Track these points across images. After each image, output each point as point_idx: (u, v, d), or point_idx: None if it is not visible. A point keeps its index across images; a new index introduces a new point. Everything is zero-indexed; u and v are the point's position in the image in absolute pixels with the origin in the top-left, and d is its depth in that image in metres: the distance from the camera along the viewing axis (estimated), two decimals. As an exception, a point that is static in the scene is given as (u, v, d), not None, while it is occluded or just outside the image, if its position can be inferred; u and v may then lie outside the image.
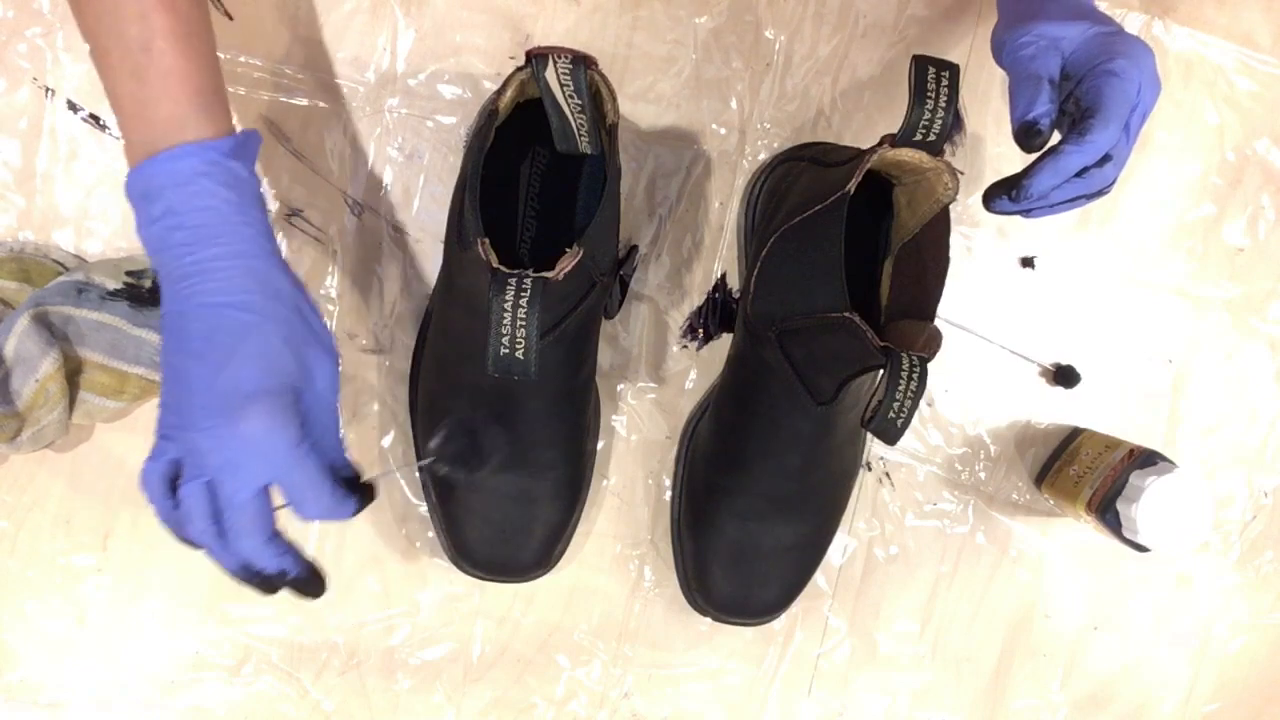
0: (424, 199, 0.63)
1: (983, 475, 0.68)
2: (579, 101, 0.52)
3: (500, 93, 0.53)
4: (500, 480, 0.58)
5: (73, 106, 0.60)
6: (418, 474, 0.58)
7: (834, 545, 0.65)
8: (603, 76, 0.51)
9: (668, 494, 0.65)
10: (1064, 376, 0.67)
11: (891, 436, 0.50)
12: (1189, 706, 0.70)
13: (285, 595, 0.47)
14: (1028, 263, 0.67)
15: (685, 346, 0.65)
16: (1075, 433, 0.67)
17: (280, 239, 0.61)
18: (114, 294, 0.58)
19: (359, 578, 0.63)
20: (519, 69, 0.52)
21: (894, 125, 0.51)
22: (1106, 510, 0.61)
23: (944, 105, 0.48)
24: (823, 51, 0.65)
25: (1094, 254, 0.67)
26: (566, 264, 0.48)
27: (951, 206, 0.53)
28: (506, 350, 0.47)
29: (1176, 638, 0.70)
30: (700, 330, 0.65)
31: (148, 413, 0.61)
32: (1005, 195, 0.48)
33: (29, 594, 0.62)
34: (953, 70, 0.49)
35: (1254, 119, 0.68)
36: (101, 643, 0.62)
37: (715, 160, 0.65)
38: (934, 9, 0.65)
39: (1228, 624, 0.70)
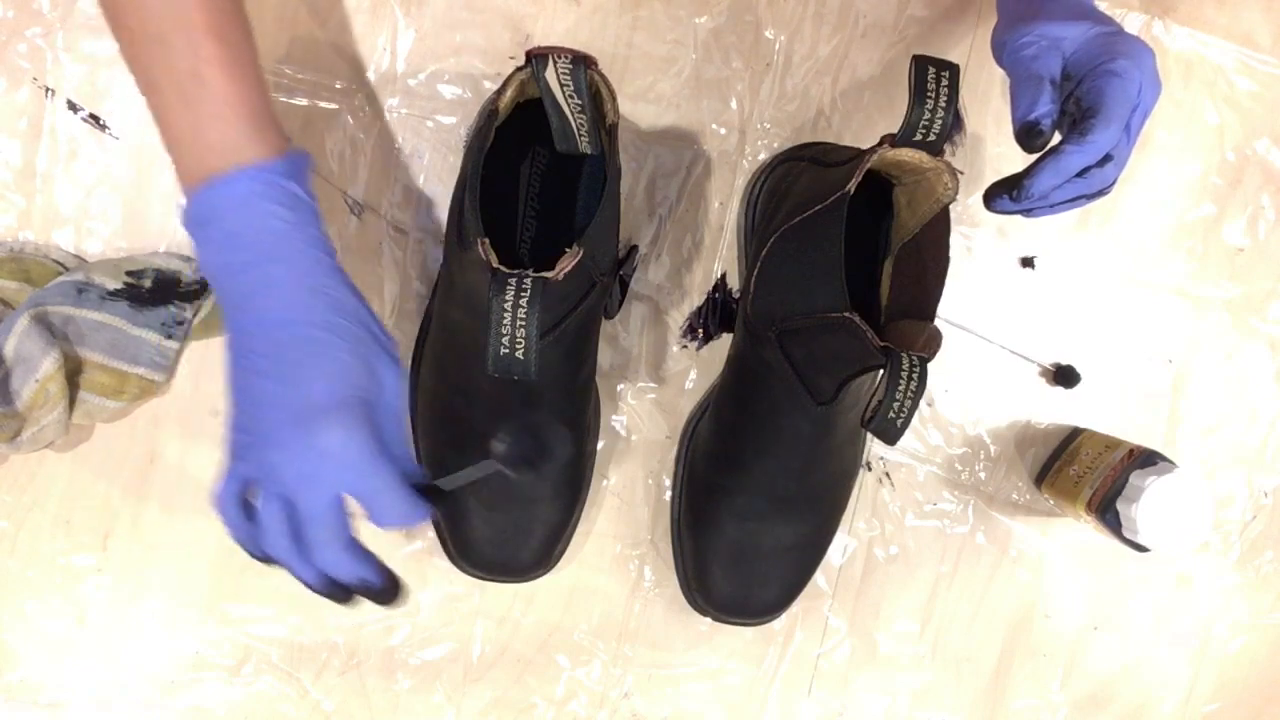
0: (424, 199, 0.63)
1: (983, 475, 0.68)
2: (579, 101, 0.52)
3: (500, 93, 0.53)
4: (500, 480, 0.58)
5: (73, 106, 0.60)
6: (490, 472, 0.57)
7: (834, 545, 0.65)
8: (603, 76, 0.51)
9: (668, 494, 0.65)
10: (1064, 376, 0.67)
11: (891, 436, 0.50)
12: (1189, 706, 0.70)
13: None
14: (1028, 263, 0.67)
15: (685, 346, 0.65)
16: (1075, 433, 0.67)
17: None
18: (114, 294, 0.58)
19: (359, 578, 0.63)
20: (519, 69, 0.52)
21: (894, 125, 0.51)
22: (1106, 510, 0.61)
23: (944, 105, 0.48)
24: (823, 51, 0.65)
25: (1094, 254, 0.67)
26: (566, 264, 0.48)
27: (951, 206, 0.53)
28: (506, 350, 0.47)
29: (1176, 638, 0.70)
30: (700, 330, 0.65)
31: (148, 413, 0.61)
32: (1006, 195, 0.48)
33: (29, 594, 0.62)
34: (953, 70, 0.49)
35: (1254, 119, 0.68)
36: (101, 643, 0.62)
37: (715, 160, 0.65)
38: (934, 9, 0.65)
39: (1228, 624, 0.70)
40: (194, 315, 0.60)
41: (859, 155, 0.53)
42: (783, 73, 0.64)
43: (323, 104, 0.61)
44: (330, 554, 0.44)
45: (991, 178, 0.65)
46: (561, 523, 0.61)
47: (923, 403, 0.64)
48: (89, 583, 0.62)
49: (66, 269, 0.59)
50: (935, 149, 0.50)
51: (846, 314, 0.50)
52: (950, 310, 0.66)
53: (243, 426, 0.45)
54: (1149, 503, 0.59)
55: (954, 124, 0.49)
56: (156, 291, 0.59)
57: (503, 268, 0.47)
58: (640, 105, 0.64)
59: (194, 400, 0.62)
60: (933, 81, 0.48)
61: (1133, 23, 0.66)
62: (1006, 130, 0.50)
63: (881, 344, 0.49)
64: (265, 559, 0.46)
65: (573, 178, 0.61)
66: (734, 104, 0.64)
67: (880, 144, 0.51)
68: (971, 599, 0.68)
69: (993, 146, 0.66)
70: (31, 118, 0.60)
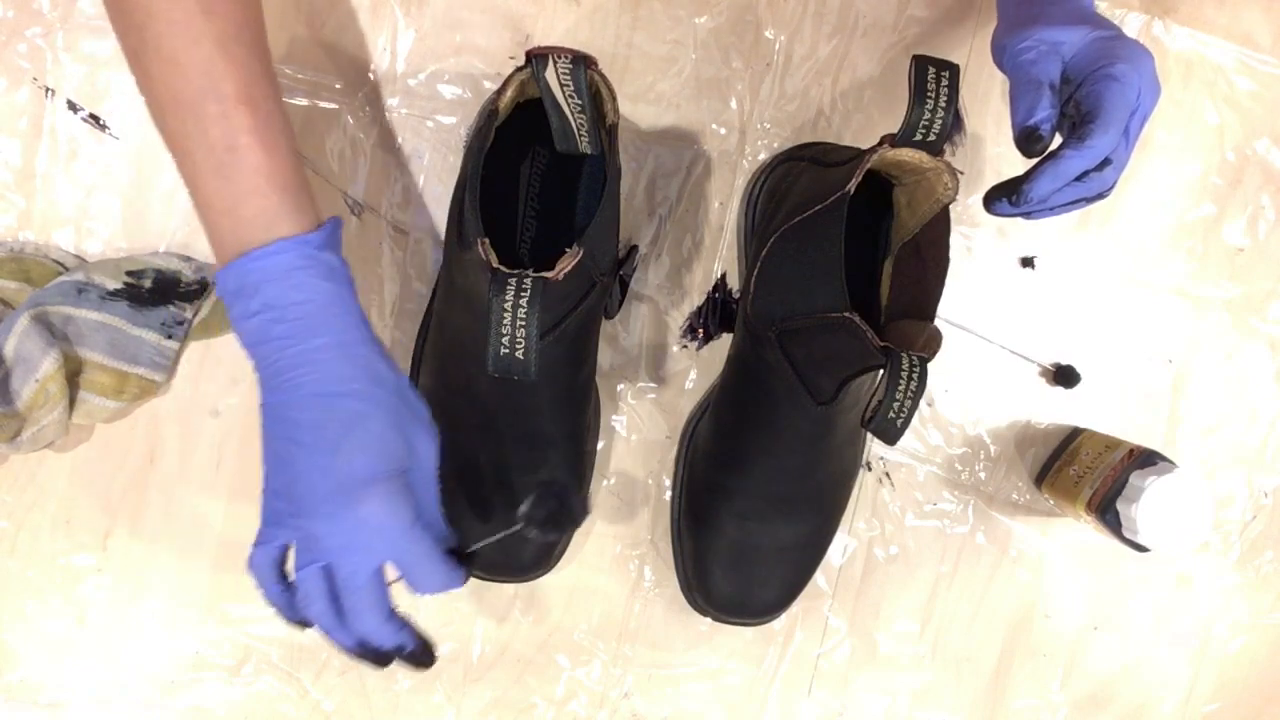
0: (424, 199, 0.63)
1: (983, 475, 0.68)
2: (579, 101, 0.52)
3: (500, 93, 0.53)
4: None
5: (73, 106, 0.60)
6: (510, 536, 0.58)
7: (834, 545, 0.65)
8: (603, 76, 0.51)
9: (668, 494, 0.65)
10: (1064, 376, 0.67)
11: (891, 436, 0.50)
12: (1189, 706, 0.70)
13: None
14: (1028, 263, 0.67)
15: (685, 346, 0.65)
16: (1075, 433, 0.67)
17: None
18: (114, 294, 0.58)
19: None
20: (519, 69, 0.52)
21: (894, 125, 0.51)
22: (1106, 510, 0.61)
23: (944, 105, 0.48)
24: (823, 51, 0.65)
25: (1094, 254, 0.67)
26: (566, 264, 0.48)
27: (951, 206, 0.53)
28: (506, 350, 0.47)
29: (1176, 638, 0.70)
30: (700, 330, 0.65)
31: (148, 413, 0.61)
32: (1005, 199, 0.48)
33: (29, 594, 0.62)
34: (953, 70, 0.49)
35: (1254, 119, 0.68)
36: (101, 643, 0.62)
37: (715, 160, 0.65)
38: (934, 9, 0.65)
39: (1228, 624, 0.70)
40: (194, 315, 0.60)
41: (859, 155, 0.53)
42: (783, 73, 0.64)
43: (323, 104, 0.61)
44: (370, 622, 0.46)
45: (991, 178, 0.66)
46: (562, 523, 0.61)
47: (923, 403, 0.64)
48: (89, 583, 0.62)
49: (66, 269, 0.59)
50: (935, 149, 0.50)
51: (846, 314, 0.50)
52: (950, 310, 0.66)
53: (281, 494, 0.45)
54: (1149, 503, 0.59)
55: (954, 124, 0.49)
56: (156, 291, 0.59)
57: (503, 268, 0.47)
58: (640, 105, 0.64)
59: (194, 400, 0.62)
60: (933, 81, 0.48)
61: (1133, 23, 0.66)
62: (1006, 130, 0.50)
63: (881, 344, 0.49)
64: (301, 624, 0.47)
65: (573, 178, 0.61)
66: (734, 104, 0.64)
67: (880, 144, 0.51)
68: (971, 599, 0.68)
69: (992, 147, 0.66)
70: (31, 118, 0.60)
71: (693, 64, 0.64)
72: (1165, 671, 0.70)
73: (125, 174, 0.61)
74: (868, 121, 0.65)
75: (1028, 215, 0.50)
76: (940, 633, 0.68)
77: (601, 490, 0.65)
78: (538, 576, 0.62)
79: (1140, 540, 0.60)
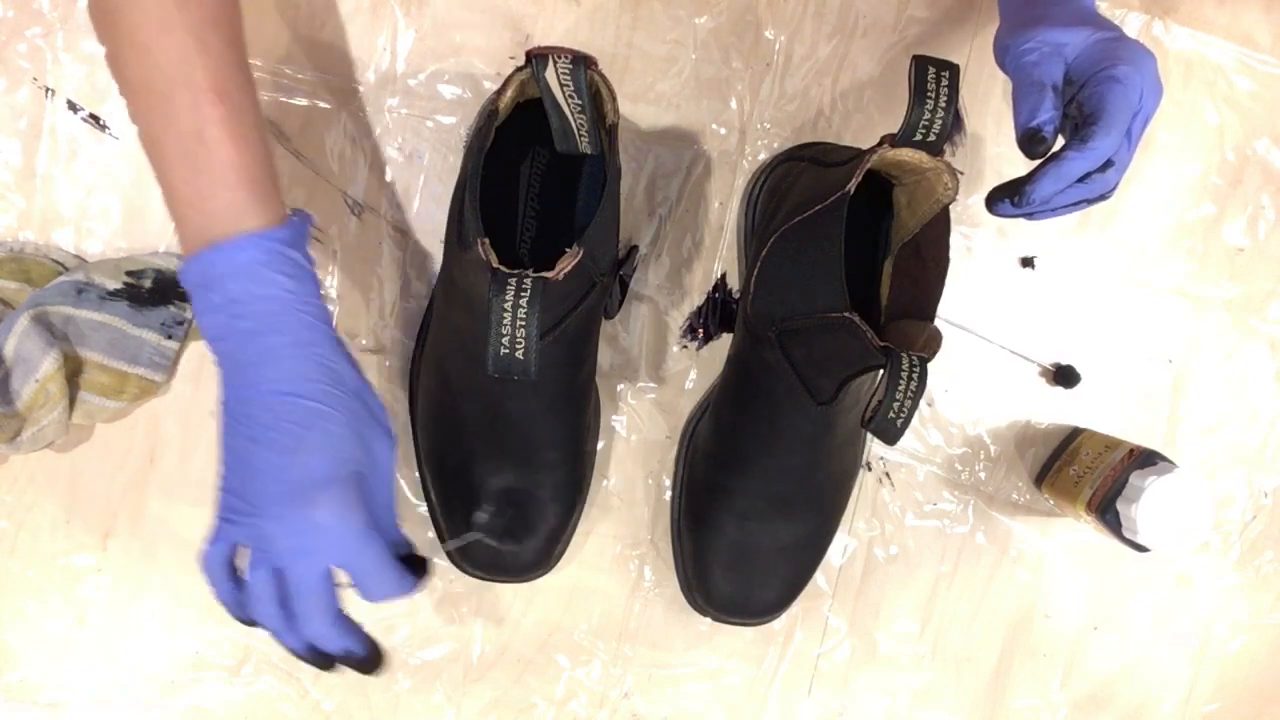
0: (424, 199, 0.63)
1: (983, 475, 0.68)
2: (579, 101, 0.52)
3: (500, 93, 0.53)
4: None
5: (73, 106, 0.60)
6: (458, 548, 0.59)
7: (834, 545, 0.65)
8: (603, 76, 0.51)
9: (668, 494, 0.65)
10: (1064, 376, 0.67)
11: (891, 436, 0.50)
12: (1189, 706, 0.70)
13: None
14: (1028, 263, 0.67)
15: (685, 346, 0.65)
16: (1075, 433, 0.67)
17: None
18: (114, 294, 0.58)
19: (359, 578, 0.63)
20: (519, 69, 0.52)
21: (894, 125, 0.51)
22: (1106, 510, 0.61)
23: (944, 105, 0.48)
24: (823, 51, 0.65)
25: (1094, 254, 0.67)
26: (566, 264, 0.48)
27: (951, 206, 0.53)
28: (506, 350, 0.47)
29: (1176, 638, 0.70)
30: (700, 330, 0.65)
31: (148, 413, 0.61)
32: (1007, 199, 0.48)
33: (29, 594, 0.62)
34: (953, 70, 0.49)
35: (1254, 119, 0.68)
36: (101, 643, 0.62)
37: (715, 160, 0.65)
38: (934, 9, 0.65)
39: (1228, 624, 0.70)
40: (194, 315, 0.60)
41: (859, 155, 0.53)
42: (783, 73, 0.64)
43: (323, 104, 0.61)
44: (318, 626, 0.45)
45: (991, 178, 0.66)
46: (561, 523, 0.61)
47: (923, 403, 0.64)
48: (89, 583, 0.62)
49: (66, 269, 0.59)
50: (935, 149, 0.50)
51: (846, 314, 0.50)
52: (950, 310, 0.66)
53: (235, 491, 0.45)
54: (1149, 503, 0.59)
55: (954, 124, 0.49)
56: (156, 291, 0.59)
57: (503, 268, 0.47)
58: (640, 105, 0.64)
59: (194, 400, 0.62)
60: (933, 81, 0.48)
61: (1133, 23, 0.66)
62: (1007, 131, 0.50)
63: (881, 344, 0.49)
64: (249, 623, 0.46)
65: (573, 178, 0.61)
66: (734, 104, 0.64)
67: (880, 144, 0.51)
68: (971, 599, 0.68)
69: (993, 147, 0.66)
70: (31, 118, 0.60)
71: (693, 64, 0.64)
72: (1165, 671, 0.70)
73: (125, 174, 0.61)
74: (868, 121, 0.65)
75: (1030, 216, 0.50)
76: (940, 633, 0.68)
77: (601, 490, 0.65)
78: (538, 576, 0.62)
79: (1140, 540, 0.60)
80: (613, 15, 0.63)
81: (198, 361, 0.61)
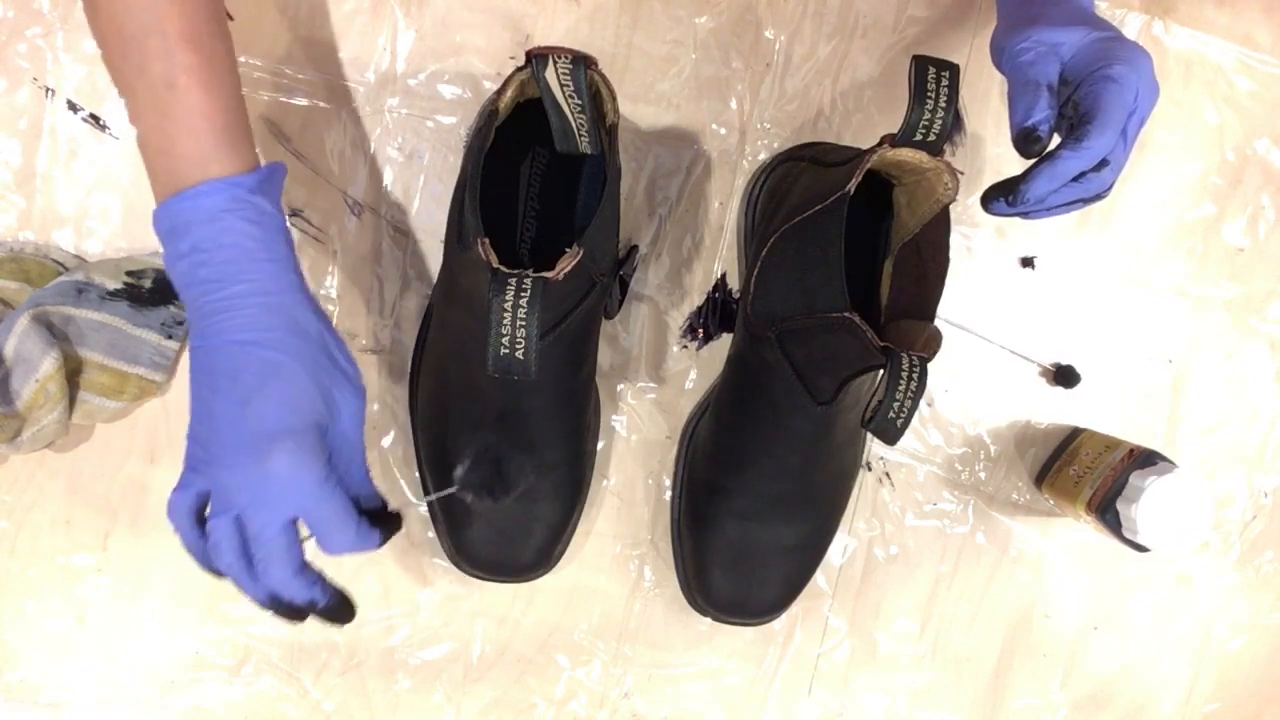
0: (424, 199, 0.63)
1: (983, 475, 0.68)
2: (579, 101, 0.52)
3: (500, 93, 0.53)
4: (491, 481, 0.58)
5: (73, 106, 0.60)
6: (432, 501, 0.59)
7: (834, 545, 0.65)
8: (603, 76, 0.51)
9: (668, 494, 0.65)
10: (1064, 376, 0.67)
11: (891, 436, 0.50)
12: (1189, 706, 0.70)
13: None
14: (1028, 263, 0.67)
15: (685, 346, 0.65)
16: (1075, 433, 0.67)
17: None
18: (114, 294, 0.58)
19: (359, 578, 0.63)
20: (519, 69, 0.52)
21: (894, 125, 0.51)
22: (1106, 510, 0.61)
23: (944, 105, 0.48)
24: (823, 51, 0.65)
25: (1094, 254, 0.67)
26: (566, 264, 0.48)
27: (951, 206, 0.53)
28: (506, 350, 0.47)
29: (1176, 638, 0.70)
30: (700, 330, 0.65)
31: (148, 413, 0.61)
32: (1002, 198, 0.48)
33: (29, 594, 0.62)
34: (953, 70, 0.49)
35: (1254, 119, 0.68)
36: (101, 643, 0.62)
37: (715, 160, 0.65)
38: (934, 9, 0.65)
39: (1228, 624, 0.70)
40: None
41: (859, 155, 0.53)
42: (783, 73, 0.64)
43: (323, 104, 0.61)
44: (279, 575, 0.45)
45: (991, 178, 0.66)
46: (561, 523, 0.61)
47: (923, 403, 0.64)
48: (89, 583, 0.62)
49: (66, 269, 0.59)
50: (935, 149, 0.50)
51: (846, 314, 0.50)
52: (950, 310, 0.66)
53: (199, 440, 0.45)
54: (1149, 503, 0.59)
55: (954, 124, 0.49)
56: (156, 291, 0.59)
57: (503, 268, 0.47)
58: (640, 105, 0.64)
59: (194, 400, 0.62)
60: (933, 81, 0.48)
61: (1133, 23, 0.66)
62: (1006, 130, 0.50)
63: (881, 344, 0.49)
64: (215, 573, 0.46)
65: (573, 178, 0.61)
66: (734, 104, 0.64)
67: (880, 144, 0.51)
68: (971, 599, 0.68)
69: (992, 147, 0.66)
70: (31, 118, 0.60)
71: (693, 64, 0.64)
72: (1165, 671, 0.70)
73: (125, 174, 0.61)
74: (868, 121, 0.65)
75: (1025, 215, 0.50)
76: (940, 633, 0.68)
77: (601, 490, 0.65)
78: (538, 576, 0.62)
79: (1140, 540, 0.60)
80: (613, 15, 0.63)
81: (198, 361, 0.61)
